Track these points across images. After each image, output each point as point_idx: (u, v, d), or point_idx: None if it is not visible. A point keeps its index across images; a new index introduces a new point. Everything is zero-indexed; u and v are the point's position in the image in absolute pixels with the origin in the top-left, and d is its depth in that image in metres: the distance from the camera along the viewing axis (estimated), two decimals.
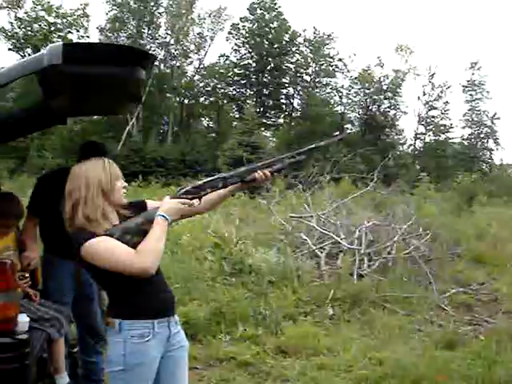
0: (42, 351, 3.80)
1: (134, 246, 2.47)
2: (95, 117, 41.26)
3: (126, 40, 49.86)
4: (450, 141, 57.47)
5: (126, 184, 2.69)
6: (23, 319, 3.55)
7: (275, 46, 55.15)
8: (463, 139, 58.02)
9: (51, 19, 48.36)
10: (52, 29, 48.23)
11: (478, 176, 26.56)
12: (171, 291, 2.79)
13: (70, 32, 49.16)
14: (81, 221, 2.51)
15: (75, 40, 47.24)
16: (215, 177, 2.73)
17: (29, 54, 42.75)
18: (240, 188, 2.86)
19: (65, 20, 49.03)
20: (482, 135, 57.65)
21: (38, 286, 4.30)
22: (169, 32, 52.18)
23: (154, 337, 2.58)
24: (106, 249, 2.44)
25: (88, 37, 49.91)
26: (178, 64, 53.30)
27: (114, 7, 51.05)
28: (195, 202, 2.67)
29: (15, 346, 3.39)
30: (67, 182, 2.60)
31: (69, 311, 4.18)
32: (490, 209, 23.95)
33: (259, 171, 2.76)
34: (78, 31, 49.76)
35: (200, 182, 2.70)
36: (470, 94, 57.42)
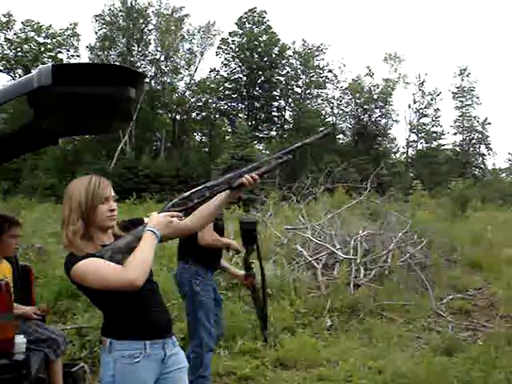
0: (40, 372, 3.79)
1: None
2: (87, 136, 41.37)
3: (116, 58, 50.07)
4: (442, 147, 57.78)
5: (115, 206, 2.59)
6: (20, 340, 3.55)
7: (265, 59, 55.45)
8: (455, 145, 58.36)
9: (41, 39, 48.57)
10: (42, 49, 48.47)
11: (471, 181, 26.61)
12: (167, 312, 2.75)
13: (60, 52, 49.44)
14: (65, 242, 2.51)
15: (65, 59, 47.43)
16: (201, 186, 2.67)
17: (19, 75, 42.87)
18: (230, 196, 2.76)
19: (54, 40, 49.28)
20: (473, 141, 57.94)
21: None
22: (159, 49, 52.40)
23: (146, 358, 2.53)
24: (93, 269, 2.40)
25: (78, 56, 50.28)
26: (168, 80, 53.52)
27: (104, 26, 51.25)
28: (182, 214, 2.61)
29: (13, 367, 3.38)
30: None
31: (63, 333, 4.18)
32: (483, 214, 24.02)
33: (246, 175, 2.70)
34: (68, 51, 50.15)
35: (186, 194, 2.65)
36: (460, 101, 57.79)
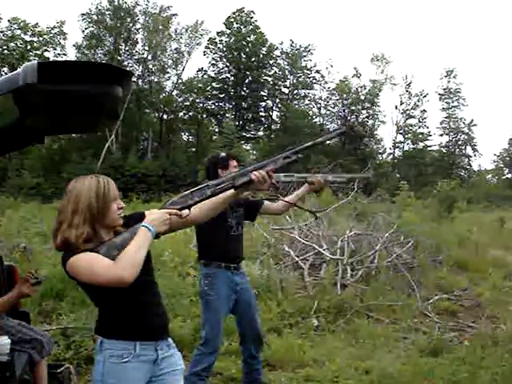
0: (25, 373, 3.75)
1: None
2: (74, 134, 41.18)
3: (103, 57, 49.84)
4: (429, 149, 58.08)
5: (122, 204, 2.60)
6: (4, 341, 3.51)
7: (252, 59, 55.48)
8: (441, 147, 58.69)
9: (27, 38, 48.24)
10: (28, 47, 48.10)
11: (457, 183, 26.76)
12: (164, 314, 2.72)
13: (46, 50, 49.07)
14: (59, 243, 2.48)
15: (52, 58, 47.11)
16: (203, 185, 2.64)
17: (5, 73, 42.51)
18: (235, 195, 2.69)
19: (41, 38, 48.95)
20: (459, 142, 58.29)
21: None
22: (146, 48, 52.23)
23: (136, 359, 2.52)
24: (86, 264, 2.39)
25: (65, 54, 50.00)
26: (156, 79, 53.35)
27: (91, 24, 50.98)
28: (184, 212, 2.59)
29: None
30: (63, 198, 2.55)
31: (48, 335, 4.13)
32: (469, 215, 24.18)
33: (254, 172, 2.61)
34: (54, 49, 49.81)
35: (187, 192, 2.63)
36: (447, 102, 58.13)
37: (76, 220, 2.46)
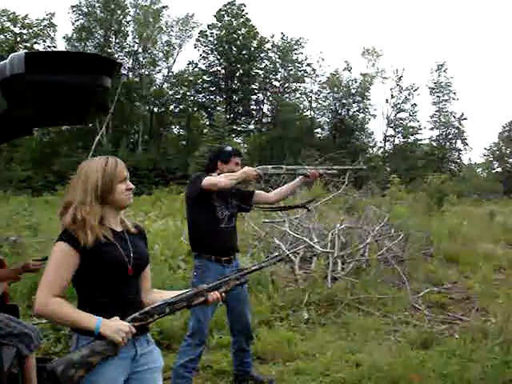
0: (13, 367, 3.73)
1: (78, 380, 2.31)
2: (64, 127, 40.96)
3: (94, 49, 49.68)
4: (419, 142, 58.29)
5: (131, 186, 2.61)
6: None
7: (243, 52, 55.39)
8: (432, 140, 58.86)
9: (17, 30, 47.91)
10: (18, 39, 47.74)
11: (447, 176, 26.85)
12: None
13: (36, 42, 48.80)
14: (67, 222, 2.46)
15: (42, 50, 46.79)
16: (162, 302, 2.58)
17: None
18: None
19: (31, 30, 48.61)
20: (450, 136, 58.48)
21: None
22: (136, 40, 52.05)
23: (114, 356, 2.42)
24: (51, 258, 2.42)
25: (55, 47, 49.70)
26: (146, 72, 53.17)
27: (81, 16, 50.74)
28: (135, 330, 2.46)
29: None
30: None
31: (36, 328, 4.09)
32: (459, 208, 24.26)
33: (210, 293, 2.73)
34: (44, 41, 49.49)
35: (147, 309, 2.54)
36: (437, 96, 58.27)
37: (87, 198, 2.48)
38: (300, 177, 4.69)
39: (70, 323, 2.43)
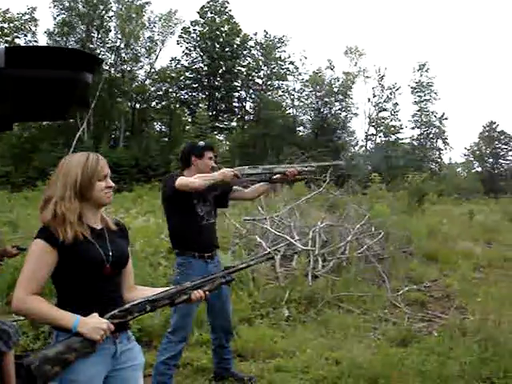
0: None
1: (54, 376, 2.30)
2: (44, 123, 40.60)
3: (75, 44, 49.23)
4: (400, 141, 58.60)
5: (111, 184, 2.58)
6: None
7: (226, 49, 55.29)
8: (413, 139, 59.31)
9: None
10: None
11: (427, 175, 27.03)
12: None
13: (17, 37, 48.25)
14: (47, 217, 2.44)
15: (23, 44, 46.31)
16: (142, 299, 2.58)
17: None
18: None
19: (12, 24, 48.05)
20: (430, 135, 58.99)
21: None
22: (119, 36, 51.69)
23: (94, 352, 2.40)
24: (31, 254, 2.41)
25: (36, 41, 49.21)
26: (128, 68, 52.83)
27: (63, 11, 50.26)
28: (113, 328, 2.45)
29: None
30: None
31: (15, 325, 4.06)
32: (440, 207, 24.45)
33: (194, 291, 2.72)
34: (25, 36, 48.97)
35: (127, 306, 2.53)
36: (419, 96, 58.72)
37: (67, 194, 2.46)
38: (266, 185, 4.79)
39: (48, 321, 2.42)
